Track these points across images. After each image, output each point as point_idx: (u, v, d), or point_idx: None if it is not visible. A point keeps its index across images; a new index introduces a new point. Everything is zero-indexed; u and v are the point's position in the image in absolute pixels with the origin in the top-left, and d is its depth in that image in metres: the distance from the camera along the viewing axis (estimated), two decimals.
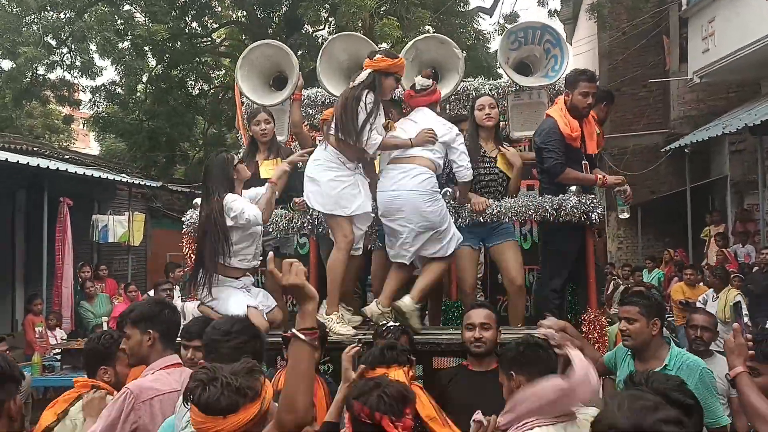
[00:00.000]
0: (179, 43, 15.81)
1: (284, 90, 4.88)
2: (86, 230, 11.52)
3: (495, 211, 4.17)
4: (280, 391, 2.07)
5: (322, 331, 3.48)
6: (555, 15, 15.56)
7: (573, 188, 4.16)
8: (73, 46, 13.98)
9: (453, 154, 4.11)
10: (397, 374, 2.82)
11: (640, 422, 1.34)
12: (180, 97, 16.87)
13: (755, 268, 8.94)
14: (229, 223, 3.82)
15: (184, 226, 4.47)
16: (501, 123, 4.75)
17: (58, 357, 7.19)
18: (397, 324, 3.70)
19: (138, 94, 16.71)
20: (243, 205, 3.81)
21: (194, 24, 16.72)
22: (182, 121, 16.81)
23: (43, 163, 9.72)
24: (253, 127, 4.69)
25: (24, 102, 15.36)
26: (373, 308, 4.04)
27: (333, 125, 4.00)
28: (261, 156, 4.66)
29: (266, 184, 4.07)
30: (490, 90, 5.02)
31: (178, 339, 3.14)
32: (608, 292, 8.98)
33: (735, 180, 11.76)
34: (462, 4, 15.95)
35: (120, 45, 14.04)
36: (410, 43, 4.79)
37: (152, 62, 16.20)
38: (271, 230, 4.36)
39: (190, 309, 4.27)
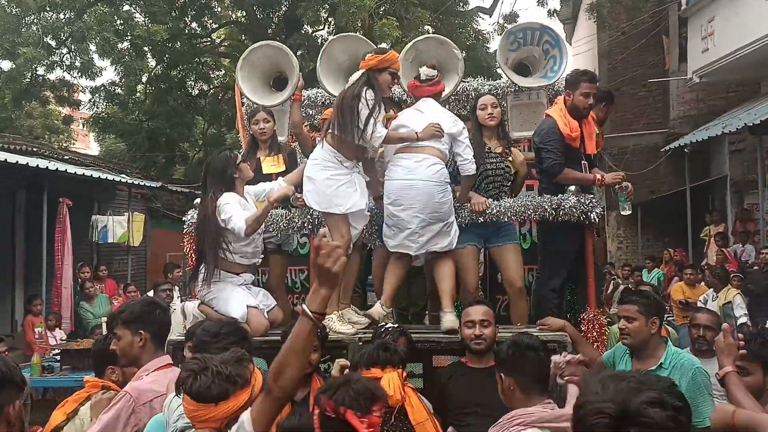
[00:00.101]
0: (179, 43, 15.81)
1: (284, 90, 4.90)
2: (86, 231, 11.52)
3: (494, 210, 4.18)
4: None
5: (323, 332, 3.51)
6: (554, 15, 15.55)
7: (572, 188, 4.16)
8: (72, 47, 13.99)
9: (458, 147, 4.12)
10: (391, 376, 2.83)
11: (627, 404, 1.33)
12: (180, 98, 16.87)
13: (755, 267, 8.95)
14: (221, 223, 3.89)
15: (184, 226, 4.50)
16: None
17: (58, 358, 7.19)
18: (396, 325, 3.72)
19: (137, 94, 16.71)
20: (232, 212, 3.86)
21: (194, 24, 16.72)
22: (182, 122, 16.81)
23: (43, 163, 9.73)
24: (252, 126, 4.72)
25: (24, 102, 15.38)
26: (378, 310, 4.03)
27: (331, 124, 4.02)
28: (262, 153, 4.70)
29: (271, 183, 4.10)
30: (490, 90, 5.03)
31: (182, 339, 3.16)
32: (608, 291, 8.98)
33: (735, 179, 11.77)
34: (461, 4, 15.95)
35: (119, 45, 14.04)
36: (410, 44, 4.81)
37: (152, 62, 16.19)
38: (271, 230, 4.37)
39: (190, 309, 4.28)
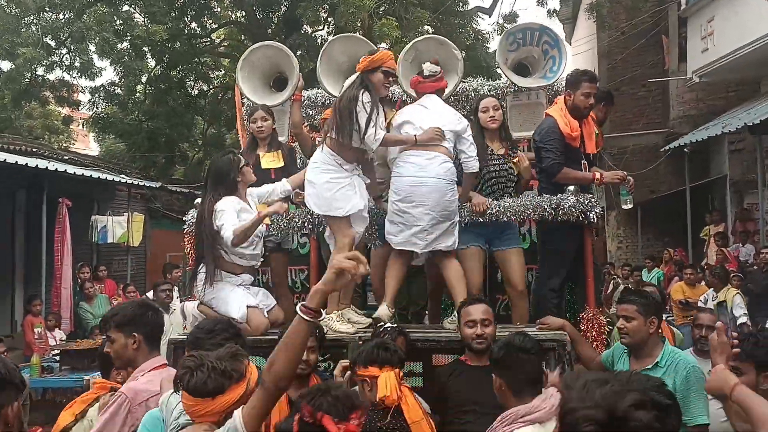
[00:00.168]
0: (178, 43, 15.80)
1: (284, 91, 4.92)
2: (85, 231, 11.52)
3: (494, 210, 4.18)
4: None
5: (321, 333, 3.52)
6: (554, 15, 15.54)
7: (571, 188, 4.17)
8: (72, 47, 13.99)
9: (462, 144, 4.12)
10: (388, 375, 2.85)
11: (614, 409, 1.33)
12: (179, 98, 16.85)
13: (754, 267, 8.96)
14: (216, 228, 3.93)
15: (185, 226, 4.51)
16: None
17: (57, 358, 7.20)
18: (395, 325, 3.73)
19: (137, 94, 16.70)
20: (225, 220, 3.88)
21: (193, 24, 16.72)
22: (181, 122, 16.80)
23: (43, 163, 9.74)
24: (251, 125, 4.75)
25: (23, 103, 15.37)
26: (385, 312, 4.00)
27: (330, 127, 4.03)
28: (261, 150, 4.72)
29: (275, 184, 4.19)
30: (489, 90, 5.03)
31: (182, 339, 3.17)
32: (608, 291, 8.98)
33: (734, 179, 11.77)
34: (461, 4, 15.94)
35: (119, 45, 14.04)
36: (410, 44, 4.81)
37: (151, 63, 16.19)
38: (272, 229, 4.38)
39: (189, 309, 4.29)
